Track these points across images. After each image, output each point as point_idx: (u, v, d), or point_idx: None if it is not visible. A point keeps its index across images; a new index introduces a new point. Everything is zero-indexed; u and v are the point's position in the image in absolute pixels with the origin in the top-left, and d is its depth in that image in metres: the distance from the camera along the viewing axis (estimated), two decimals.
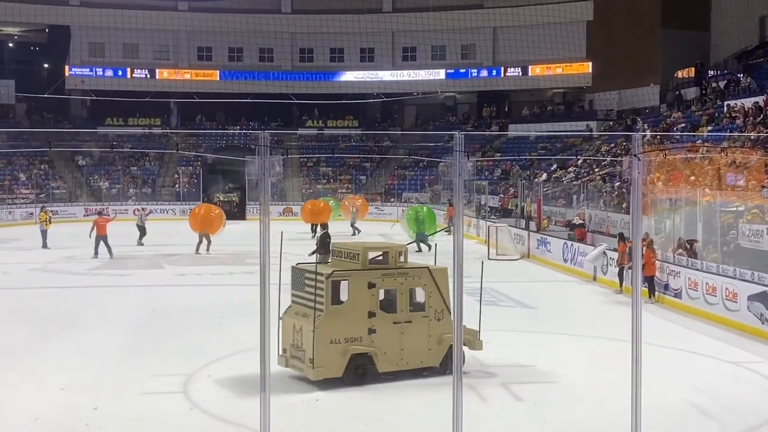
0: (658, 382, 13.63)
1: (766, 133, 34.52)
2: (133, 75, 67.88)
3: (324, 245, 24.37)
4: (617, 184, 38.00)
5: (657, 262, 22.93)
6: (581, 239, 31.36)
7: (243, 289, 23.93)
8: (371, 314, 14.05)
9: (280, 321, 14.44)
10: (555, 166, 53.46)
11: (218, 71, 68.72)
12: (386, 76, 68.71)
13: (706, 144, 36.23)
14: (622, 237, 25.25)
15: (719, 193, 25.99)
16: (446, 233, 36.01)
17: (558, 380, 14.64)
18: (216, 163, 61.97)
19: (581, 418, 12.57)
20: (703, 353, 16.99)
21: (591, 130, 58.21)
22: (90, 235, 33.34)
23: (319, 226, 25.37)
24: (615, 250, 25.55)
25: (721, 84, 47.82)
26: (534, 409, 12.99)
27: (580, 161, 49.92)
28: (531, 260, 33.22)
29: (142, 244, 37.40)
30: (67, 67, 66.89)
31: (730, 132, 38.23)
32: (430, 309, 14.46)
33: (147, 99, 63.63)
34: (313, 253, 24.65)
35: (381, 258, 14.78)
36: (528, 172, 54.62)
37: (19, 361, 15.92)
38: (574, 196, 40.52)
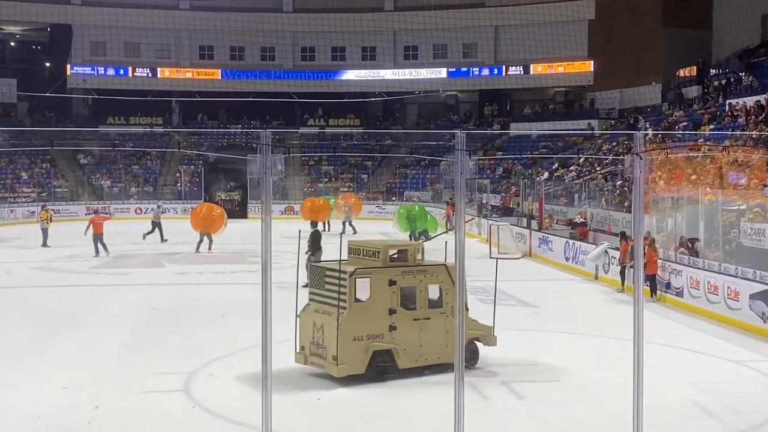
0: (659, 381, 13.62)
1: (767, 131, 34.48)
2: (135, 74, 67.83)
3: (314, 243, 24.45)
4: (619, 182, 37.97)
5: (659, 260, 22.91)
6: (583, 238, 31.33)
7: (244, 287, 23.97)
8: (392, 311, 14.24)
9: (297, 319, 14.56)
10: (556, 164, 53.44)
11: (220, 70, 68.66)
12: (388, 74, 68.65)
13: (707, 143, 36.20)
14: (623, 236, 25.24)
15: (721, 191, 25.97)
16: (449, 232, 35.97)
17: (560, 379, 14.64)
18: (217, 162, 61.99)
19: (583, 417, 12.57)
20: (704, 352, 16.98)
21: (593, 129, 58.17)
22: (85, 233, 33.40)
23: (309, 224, 25.36)
24: (617, 248, 25.54)
25: (723, 83, 47.78)
26: (535, 408, 12.98)
27: (581, 160, 49.90)
28: (532, 259, 33.21)
29: (165, 240, 37.74)
30: (68, 66, 66.87)
31: (732, 131, 38.20)
32: (447, 306, 14.64)
33: (148, 98, 63.66)
34: (307, 252, 24.65)
35: (399, 256, 14.91)
36: (530, 171, 54.61)
37: (21, 360, 15.93)
38: (576, 195, 40.49)
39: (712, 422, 12.45)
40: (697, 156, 32.49)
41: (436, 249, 15.42)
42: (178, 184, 63.07)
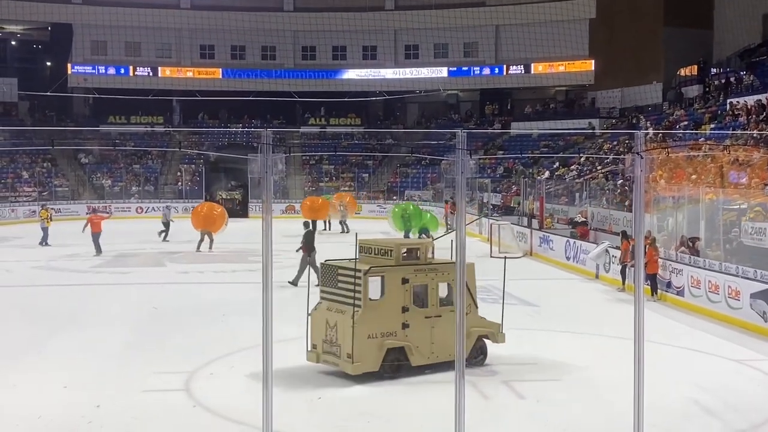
0: (660, 380, 13.62)
1: None
2: (136, 73, 67.83)
3: (308, 243, 24.52)
4: (620, 181, 37.98)
5: (659, 260, 22.90)
6: (584, 237, 31.33)
7: (245, 287, 23.99)
8: (404, 309, 14.36)
9: (309, 317, 14.63)
10: (557, 164, 53.45)
11: (221, 69, 68.63)
12: (389, 74, 68.62)
13: (708, 142, 36.19)
14: (624, 235, 25.25)
15: (722, 191, 25.97)
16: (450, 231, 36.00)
17: (560, 378, 14.64)
18: (218, 161, 62.03)
19: (583, 416, 12.57)
20: (705, 351, 16.98)
21: (593, 128, 58.16)
22: (83, 231, 33.44)
23: (302, 224, 25.39)
24: (617, 248, 25.54)
25: (724, 82, 47.77)
26: (536, 407, 12.98)
27: (582, 159, 49.91)
28: (533, 258, 33.20)
29: (167, 241, 37.83)
30: (69, 65, 66.88)
31: (733, 130, 38.18)
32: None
33: (149, 97, 63.69)
34: (298, 249, 24.73)
35: (411, 254, 15.02)
36: (530, 170, 54.60)
37: (21, 359, 15.94)
38: (577, 194, 40.52)
39: (713, 421, 12.45)
40: (698, 155, 32.48)
41: (442, 248, 15.45)
42: (179, 184, 63.07)
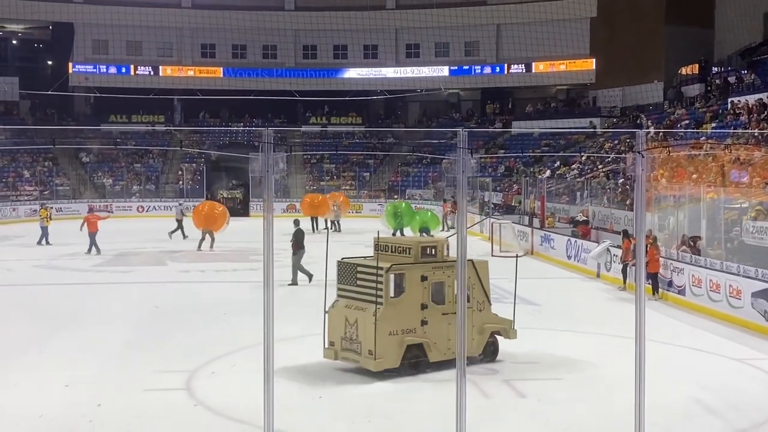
0: (661, 379, 13.63)
1: None
2: (137, 72, 67.82)
3: (298, 242, 24.55)
4: (621, 180, 37.98)
5: (661, 259, 22.89)
6: (585, 236, 31.32)
7: (246, 285, 23.99)
8: (423, 306, 14.51)
9: (326, 315, 14.77)
10: (558, 162, 53.44)
11: (222, 68, 68.61)
12: (390, 73, 68.60)
13: (710, 141, 36.19)
14: (625, 234, 25.25)
15: (723, 189, 25.97)
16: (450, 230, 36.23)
17: (561, 377, 14.64)
18: (219, 160, 62.01)
19: (584, 415, 12.56)
20: (706, 350, 16.97)
21: (594, 127, 58.15)
22: (81, 229, 33.45)
23: (293, 223, 25.42)
24: (619, 246, 25.53)
25: (725, 81, 47.76)
26: (537, 406, 12.98)
27: (583, 158, 49.89)
28: (534, 257, 33.19)
29: (187, 236, 37.68)
30: (70, 64, 66.86)
31: (734, 129, 38.17)
32: (473, 300, 15.05)
33: (150, 96, 63.70)
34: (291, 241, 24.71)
35: (429, 252, 15.15)
36: (531, 169, 54.60)
37: (22, 358, 15.94)
38: (578, 193, 40.50)
39: (714, 420, 12.44)
40: (699, 154, 32.48)
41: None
42: (180, 183, 63.07)
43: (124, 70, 67.67)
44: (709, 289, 20.64)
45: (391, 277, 14.39)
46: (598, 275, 27.25)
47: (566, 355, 16.18)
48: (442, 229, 40.78)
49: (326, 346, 14.94)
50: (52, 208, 43.14)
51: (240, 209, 55.01)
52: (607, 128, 57.40)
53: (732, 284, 19.76)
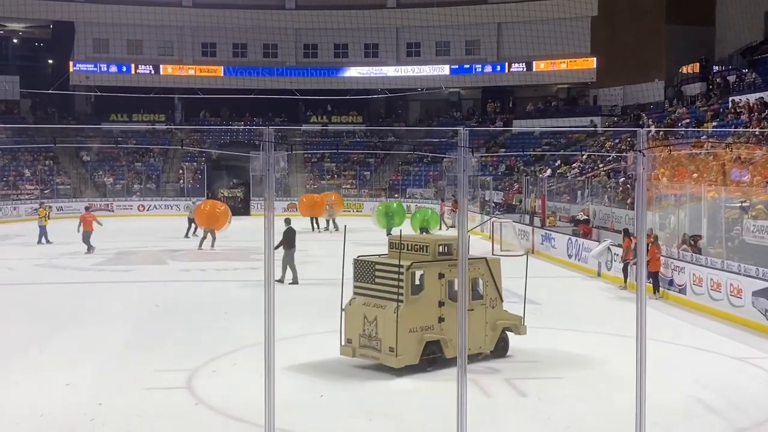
0: (662, 378, 13.64)
1: None
2: (138, 71, 67.83)
3: (288, 239, 24.52)
4: (622, 179, 37.97)
5: (662, 257, 22.89)
6: (586, 235, 31.31)
7: (247, 284, 23.99)
8: (441, 303, 14.69)
9: (343, 312, 14.93)
10: (559, 161, 53.43)
11: (222, 67, 68.62)
12: (390, 71, 68.60)
13: (710, 140, 36.17)
14: (626, 233, 25.25)
15: (724, 188, 25.96)
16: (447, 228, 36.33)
17: (562, 376, 14.64)
18: (220, 159, 62.03)
19: (585, 414, 12.56)
20: (707, 349, 16.98)
21: (595, 126, 58.16)
22: (78, 230, 33.42)
23: (284, 222, 25.39)
24: (619, 245, 25.52)
25: (727, 80, 47.74)
26: (538, 405, 12.99)
27: (584, 157, 49.88)
28: (535, 256, 33.17)
29: (197, 236, 37.41)
30: (71, 63, 66.87)
31: (735, 128, 38.17)
32: (486, 297, 15.40)
33: (151, 95, 63.65)
34: (278, 246, 24.27)
35: (446, 250, 15.33)
36: (532, 168, 54.60)
37: (23, 357, 15.94)
38: (579, 192, 40.50)
39: (715, 419, 12.44)
40: (700, 153, 32.47)
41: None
42: (181, 182, 63.09)
43: (124, 68, 67.67)
44: (710, 288, 20.64)
45: (412, 274, 14.60)
46: (598, 274, 27.25)
47: (567, 354, 16.20)
48: (440, 228, 40.81)
49: (343, 343, 15.07)
50: (50, 207, 43.14)
51: (241, 208, 55.00)
52: (608, 127, 57.41)
53: (733, 283, 19.76)
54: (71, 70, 66.76)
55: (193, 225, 38.42)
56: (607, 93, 63.61)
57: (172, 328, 18.81)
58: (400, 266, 14.42)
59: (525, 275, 15.95)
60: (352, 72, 69.01)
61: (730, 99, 43.56)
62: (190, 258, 32.31)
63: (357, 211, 54.96)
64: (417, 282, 14.83)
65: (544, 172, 50.54)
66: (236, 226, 37.05)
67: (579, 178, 43.62)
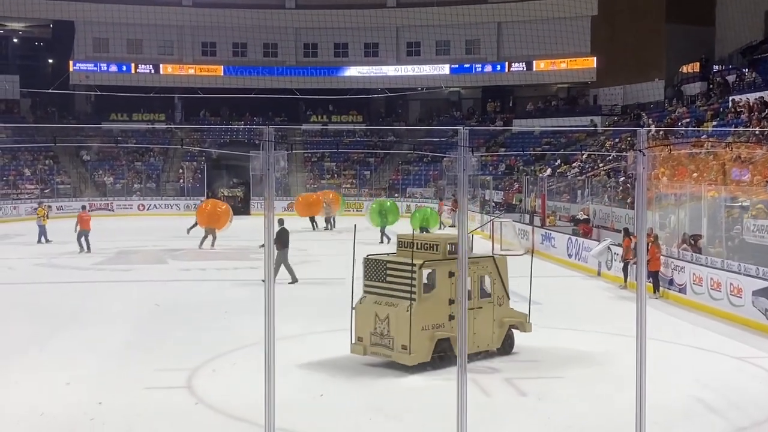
0: (662, 378, 13.63)
1: None
2: (138, 70, 67.84)
3: (280, 239, 24.50)
4: (622, 179, 37.98)
5: (662, 257, 22.89)
6: (586, 234, 31.31)
7: (247, 284, 23.99)
8: (451, 301, 14.74)
9: (353, 311, 15.03)
10: (559, 161, 53.43)
11: (222, 66, 68.62)
12: (390, 71, 68.61)
13: (711, 139, 36.17)
14: (626, 232, 25.25)
15: (724, 188, 25.96)
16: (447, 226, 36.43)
17: (562, 375, 14.64)
18: (220, 158, 62.03)
19: (585, 414, 12.56)
20: (707, 348, 16.97)
21: (595, 126, 58.18)
22: (75, 230, 33.41)
23: (277, 222, 25.36)
24: (619, 245, 25.52)
25: (727, 79, 47.74)
26: (538, 404, 12.98)
27: (584, 156, 49.89)
28: (535, 255, 33.11)
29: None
30: (71, 63, 66.86)
31: (735, 127, 38.17)
32: (494, 295, 15.63)
33: (151, 94, 63.62)
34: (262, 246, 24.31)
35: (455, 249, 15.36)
36: (532, 168, 54.60)
37: (23, 356, 15.94)
38: (579, 192, 40.49)
39: (715, 419, 12.43)
40: (700, 152, 32.47)
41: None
42: (181, 181, 63.10)
43: (124, 68, 67.68)
44: (710, 288, 20.64)
45: (424, 273, 14.73)
46: (598, 274, 27.24)
47: (567, 353, 16.20)
48: (439, 228, 40.80)
49: (353, 341, 15.15)
50: (49, 206, 43.12)
51: (241, 207, 54.96)
52: (608, 126, 57.42)
53: (733, 282, 19.76)
54: (71, 69, 66.76)
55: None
56: (607, 92, 63.61)
57: (172, 328, 18.81)
58: (413, 265, 14.52)
59: (530, 273, 15.99)
60: (352, 71, 69.03)
61: (730, 98, 43.56)
62: (190, 257, 32.30)
63: (357, 210, 54.90)
64: (427, 280, 14.95)
65: (544, 171, 50.54)
66: (236, 226, 37.05)
67: (579, 178, 43.62)
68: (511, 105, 70.59)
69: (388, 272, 14.96)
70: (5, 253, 33.65)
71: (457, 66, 68.32)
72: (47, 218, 37.64)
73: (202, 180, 61.72)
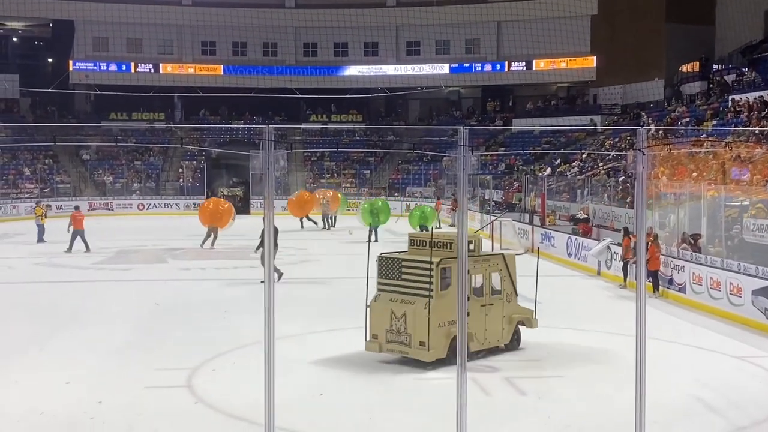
0: (662, 377, 13.64)
1: None
2: (137, 69, 67.86)
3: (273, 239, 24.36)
4: (621, 178, 37.97)
5: (661, 256, 22.90)
6: (585, 234, 31.31)
7: (247, 283, 23.99)
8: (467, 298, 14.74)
9: (368, 309, 15.13)
10: (559, 160, 53.43)
11: (222, 66, 68.64)
12: (390, 70, 68.63)
13: (710, 138, 36.17)
14: (626, 231, 25.25)
15: (723, 187, 25.96)
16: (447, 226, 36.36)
17: (562, 375, 14.64)
18: (220, 158, 62.05)
19: (585, 413, 12.56)
20: (707, 348, 16.98)
21: (595, 125, 58.18)
22: (68, 230, 33.34)
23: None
24: (619, 244, 25.52)
25: (727, 78, 47.74)
26: (538, 404, 12.99)
27: (584, 156, 49.89)
28: (535, 255, 33.15)
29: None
30: (71, 62, 66.87)
31: (735, 126, 38.17)
32: (503, 292, 15.89)
33: (151, 93, 63.66)
34: (259, 246, 23.90)
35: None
36: (532, 167, 54.60)
37: (23, 356, 15.94)
38: (578, 191, 40.50)
39: (715, 418, 12.44)
40: (700, 152, 32.47)
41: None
42: (181, 180, 63.10)
43: (124, 67, 67.71)
44: (710, 287, 20.65)
45: (441, 270, 14.85)
46: (598, 273, 27.25)
47: (567, 352, 16.20)
48: (438, 226, 40.84)
49: (368, 339, 15.23)
50: (48, 205, 43.09)
51: (240, 207, 54.89)
52: (608, 126, 57.42)
53: (732, 282, 19.76)
54: (71, 68, 66.76)
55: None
56: (606, 92, 63.62)
57: (172, 327, 18.81)
58: (431, 263, 14.65)
59: (536, 271, 16.39)
60: (352, 71, 69.04)
61: (730, 98, 43.56)
62: (189, 257, 32.31)
63: (357, 210, 54.87)
64: (445, 278, 15.08)
65: (544, 170, 50.54)
66: (236, 225, 37.03)
67: (579, 177, 43.62)
68: (510, 104, 70.61)
69: (404, 270, 15.11)
70: (5, 252, 33.65)
71: (456, 65, 68.33)
72: (45, 217, 37.59)
73: (202, 179, 61.72)
